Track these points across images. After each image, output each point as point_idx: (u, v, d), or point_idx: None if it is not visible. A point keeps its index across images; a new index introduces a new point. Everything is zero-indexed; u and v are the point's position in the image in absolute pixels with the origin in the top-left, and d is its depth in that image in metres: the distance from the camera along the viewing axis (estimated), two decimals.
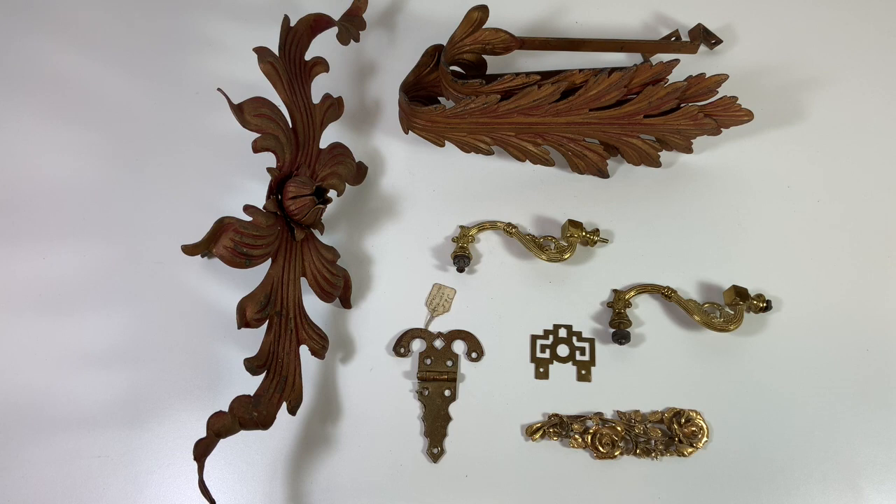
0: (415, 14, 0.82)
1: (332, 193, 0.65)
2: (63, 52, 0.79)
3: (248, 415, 0.55)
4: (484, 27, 0.67)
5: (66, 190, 0.73)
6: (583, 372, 0.67)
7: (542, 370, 0.67)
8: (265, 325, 0.58)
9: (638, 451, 0.64)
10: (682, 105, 0.66)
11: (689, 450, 0.64)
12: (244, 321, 0.56)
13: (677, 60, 0.64)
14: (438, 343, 0.68)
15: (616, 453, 0.64)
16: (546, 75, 0.66)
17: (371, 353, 0.68)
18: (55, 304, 0.69)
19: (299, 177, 0.61)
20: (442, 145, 0.72)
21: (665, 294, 0.69)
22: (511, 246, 0.72)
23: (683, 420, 0.65)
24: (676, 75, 0.64)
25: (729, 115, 0.67)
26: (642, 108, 0.66)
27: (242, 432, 0.55)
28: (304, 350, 0.62)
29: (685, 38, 0.79)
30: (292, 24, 0.63)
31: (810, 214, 0.73)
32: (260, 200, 0.59)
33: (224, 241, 0.54)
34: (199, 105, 0.77)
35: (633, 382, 0.67)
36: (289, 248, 0.61)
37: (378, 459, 0.64)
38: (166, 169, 0.74)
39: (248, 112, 0.56)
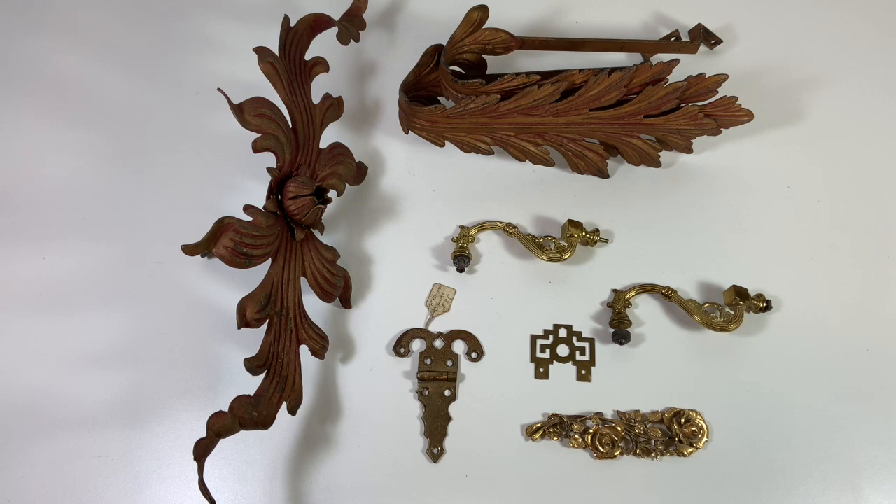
0: (415, 14, 0.82)
1: (332, 193, 0.65)
2: (63, 52, 0.79)
3: (248, 415, 0.55)
4: (484, 27, 0.67)
5: (66, 190, 0.73)
6: (583, 372, 0.67)
7: (542, 370, 0.67)
8: (265, 325, 0.58)
9: (638, 451, 0.64)
10: (682, 105, 0.66)
11: (689, 450, 0.64)
12: (244, 321, 0.56)
13: (677, 60, 0.64)
14: (438, 343, 0.68)
15: (616, 453, 0.64)
16: (546, 75, 0.66)
17: (371, 353, 0.68)
18: (55, 304, 0.69)
19: (299, 177, 0.61)
20: (442, 145, 0.72)
21: (665, 294, 0.69)
22: (511, 246, 0.72)
23: (683, 420, 0.65)
24: (676, 75, 0.64)
25: (729, 115, 0.67)
26: (642, 108, 0.66)
27: (242, 432, 0.55)
28: (304, 350, 0.62)
29: (685, 38, 0.79)
30: (292, 24, 0.63)
31: (810, 214, 0.73)
32: (260, 200, 0.59)
33: (224, 241, 0.54)
34: (199, 105, 0.77)
35: (633, 382, 0.67)
36: (289, 248, 0.61)
37: (378, 459, 0.64)
38: (166, 169, 0.74)
39: (248, 112, 0.56)
